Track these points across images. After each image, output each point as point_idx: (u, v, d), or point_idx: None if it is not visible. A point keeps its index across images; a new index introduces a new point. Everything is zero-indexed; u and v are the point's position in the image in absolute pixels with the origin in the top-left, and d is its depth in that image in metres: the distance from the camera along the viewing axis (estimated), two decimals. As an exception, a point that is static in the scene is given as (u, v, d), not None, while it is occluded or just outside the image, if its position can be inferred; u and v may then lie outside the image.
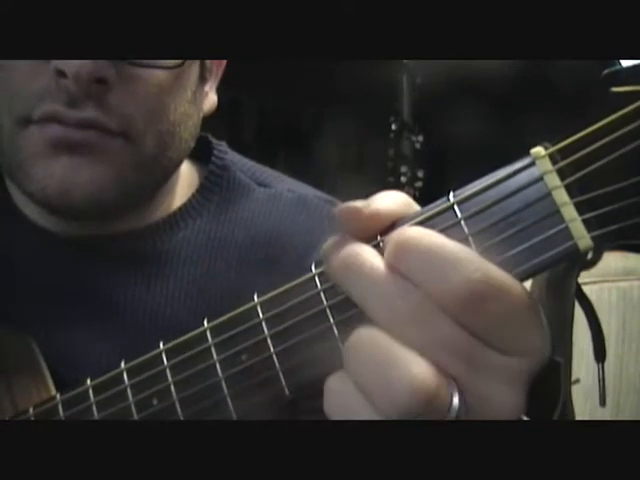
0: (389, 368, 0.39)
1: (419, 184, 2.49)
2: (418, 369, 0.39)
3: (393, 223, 0.43)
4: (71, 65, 0.61)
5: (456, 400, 0.39)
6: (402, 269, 0.40)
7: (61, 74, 0.62)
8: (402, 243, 0.40)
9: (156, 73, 0.65)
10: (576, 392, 0.46)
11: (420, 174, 2.49)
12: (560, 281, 0.42)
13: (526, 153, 0.41)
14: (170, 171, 0.72)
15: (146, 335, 0.69)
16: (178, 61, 0.66)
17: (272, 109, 2.77)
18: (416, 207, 0.44)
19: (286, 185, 0.78)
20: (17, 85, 0.64)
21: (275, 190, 0.77)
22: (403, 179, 2.48)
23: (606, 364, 0.46)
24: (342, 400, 0.41)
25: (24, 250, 0.73)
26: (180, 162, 0.73)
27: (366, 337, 0.40)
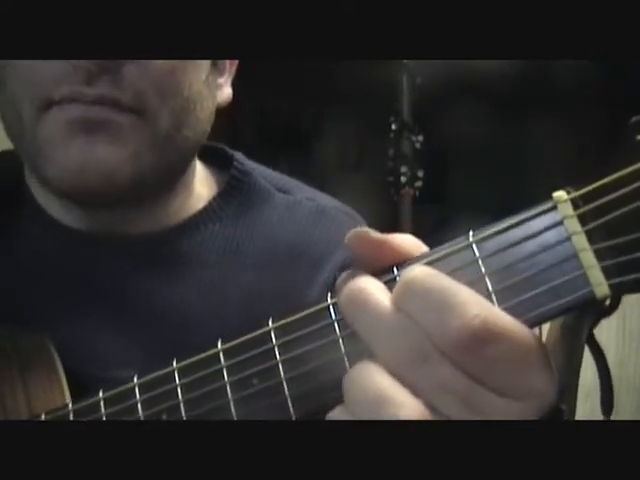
0: (380, 407, 0.39)
1: (419, 184, 2.48)
2: (407, 411, 0.39)
3: (409, 258, 0.43)
4: None
5: None
6: (405, 308, 0.41)
7: None
8: (407, 282, 0.41)
9: None
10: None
11: (420, 174, 2.49)
12: (574, 327, 0.42)
13: (548, 197, 0.41)
14: (186, 155, 0.72)
15: (161, 335, 0.70)
16: None
17: (272, 109, 2.77)
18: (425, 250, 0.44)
19: (305, 194, 0.79)
20: (36, 71, 0.65)
21: (295, 198, 0.78)
22: (403, 179, 2.48)
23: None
24: None
25: (44, 247, 0.74)
26: (196, 146, 0.73)
27: (363, 373, 0.41)
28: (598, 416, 0.43)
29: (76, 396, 0.62)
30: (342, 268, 0.72)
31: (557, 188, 0.41)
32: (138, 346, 0.70)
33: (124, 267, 0.72)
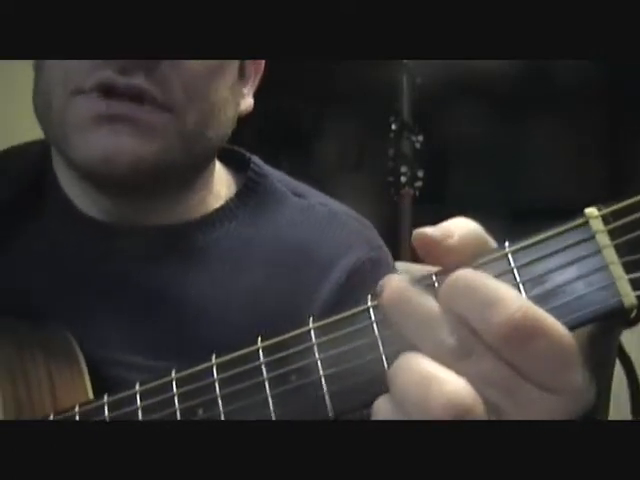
0: (427, 387, 0.41)
1: (419, 184, 2.49)
2: (455, 386, 0.40)
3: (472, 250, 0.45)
4: None
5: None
6: (450, 305, 0.42)
7: None
8: (452, 281, 0.42)
9: None
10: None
11: (420, 174, 2.49)
12: (601, 338, 0.44)
13: (580, 213, 0.43)
14: (209, 153, 0.75)
15: (171, 325, 0.72)
16: None
17: (272, 109, 2.77)
18: (487, 236, 0.45)
19: (319, 199, 0.82)
20: (72, 61, 0.67)
21: (308, 202, 0.81)
22: (403, 179, 2.48)
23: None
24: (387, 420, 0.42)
25: (65, 236, 0.76)
26: (218, 146, 0.76)
27: (410, 360, 0.42)
28: (624, 417, 0.43)
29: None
30: (351, 271, 0.75)
31: (586, 205, 0.43)
32: (146, 333, 0.72)
33: (140, 258, 0.74)
